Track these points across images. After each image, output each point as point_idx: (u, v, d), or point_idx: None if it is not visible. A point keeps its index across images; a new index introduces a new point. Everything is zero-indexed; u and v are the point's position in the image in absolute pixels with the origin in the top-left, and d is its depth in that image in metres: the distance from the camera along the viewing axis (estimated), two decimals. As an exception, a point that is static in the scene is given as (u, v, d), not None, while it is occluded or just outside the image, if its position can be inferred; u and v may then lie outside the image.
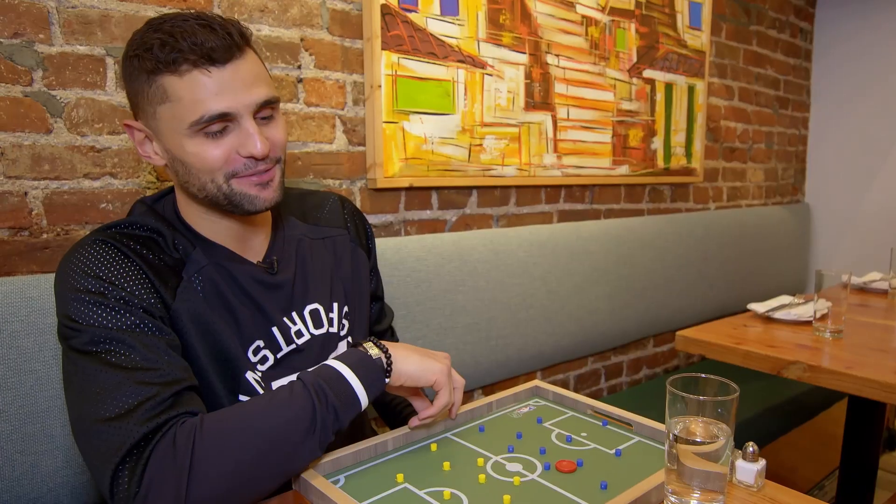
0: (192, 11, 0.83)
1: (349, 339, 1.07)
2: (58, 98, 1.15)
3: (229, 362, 0.89)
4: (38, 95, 1.13)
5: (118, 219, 0.91)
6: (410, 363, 0.89)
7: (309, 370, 0.83)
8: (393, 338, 1.28)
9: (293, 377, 0.86)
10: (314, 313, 1.01)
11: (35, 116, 1.14)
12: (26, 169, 1.13)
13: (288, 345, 0.97)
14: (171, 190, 0.97)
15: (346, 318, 1.07)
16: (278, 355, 0.96)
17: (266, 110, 0.86)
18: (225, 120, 0.82)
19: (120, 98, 1.22)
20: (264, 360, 0.94)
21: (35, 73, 1.13)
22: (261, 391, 0.92)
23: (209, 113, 0.80)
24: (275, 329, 0.96)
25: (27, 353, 1.06)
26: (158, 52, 0.78)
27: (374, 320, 1.21)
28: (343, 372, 0.82)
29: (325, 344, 1.02)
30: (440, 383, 0.91)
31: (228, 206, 0.88)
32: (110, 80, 1.20)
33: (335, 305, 1.05)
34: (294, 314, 0.99)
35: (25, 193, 1.14)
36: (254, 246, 0.98)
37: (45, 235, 1.17)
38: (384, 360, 0.86)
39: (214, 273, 0.90)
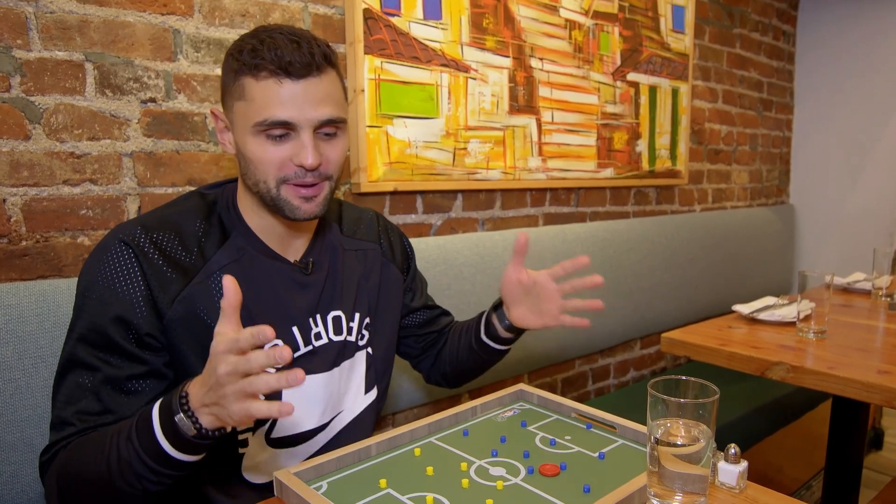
0: (290, 26, 0.90)
1: (369, 349, 1.10)
2: (36, 104, 1.14)
3: None
4: (17, 101, 1.12)
5: (169, 204, 0.98)
6: (219, 423, 0.74)
7: (142, 416, 0.76)
8: (450, 326, 1.29)
9: (309, 378, 0.93)
10: (336, 320, 1.05)
11: (13, 122, 1.12)
12: (4, 176, 1.12)
13: (306, 345, 1.00)
14: (236, 178, 1.02)
15: (367, 329, 1.10)
16: (296, 355, 0.99)
17: (329, 128, 0.91)
18: (286, 127, 0.88)
19: (99, 104, 1.21)
20: None
21: (13, 79, 1.12)
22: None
23: (272, 118, 0.86)
24: (295, 329, 0.99)
25: (6, 362, 1.05)
26: (247, 56, 0.86)
27: (422, 324, 1.25)
28: (161, 441, 0.74)
29: (342, 351, 1.06)
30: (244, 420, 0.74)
31: (273, 208, 0.93)
32: (90, 86, 1.19)
33: (357, 315, 1.08)
34: (318, 316, 1.02)
35: (4, 200, 1.13)
36: (294, 245, 1.02)
37: (24, 243, 1.15)
38: (195, 432, 0.73)
39: (237, 271, 0.94)
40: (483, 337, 1.17)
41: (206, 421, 0.72)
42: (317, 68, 0.87)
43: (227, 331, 0.71)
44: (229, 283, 0.72)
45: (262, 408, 0.68)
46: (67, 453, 0.82)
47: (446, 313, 1.31)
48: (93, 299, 0.87)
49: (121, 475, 0.76)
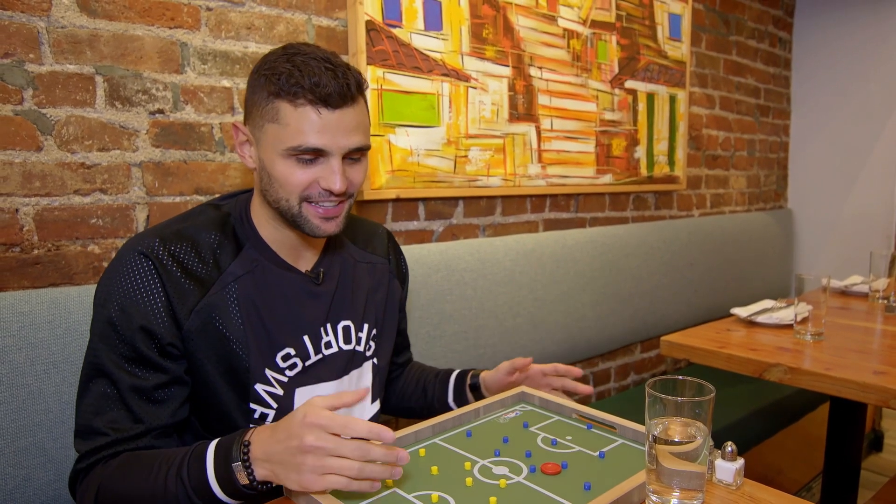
0: (322, 51, 0.92)
1: (374, 360, 1.13)
2: (48, 116, 1.17)
3: (240, 374, 0.96)
4: (29, 114, 1.15)
5: (182, 217, 1.00)
6: (274, 478, 0.78)
7: (195, 454, 0.82)
8: (408, 363, 1.36)
9: (319, 386, 0.99)
10: (346, 329, 1.08)
11: (25, 134, 1.15)
12: (17, 186, 1.15)
13: (316, 354, 1.03)
14: (248, 190, 1.07)
15: (374, 340, 1.13)
16: (307, 363, 1.02)
17: (355, 154, 0.95)
18: (317, 154, 0.91)
19: (109, 115, 1.24)
20: (293, 366, 1.00)
21: (25, 92, 1.15)
22: (271, 402, 0.98)
23: (306, 145, 0.90)
24: (306, 337, 1.02)
25: (19, 368, 1.07)
26: (285, 80, 0.88)
27: (397, 352, 1.28)
28: (211, 483, 0.80)
29: (351, 360, 1.09)
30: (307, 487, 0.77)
31: (292, 224, 0.97)
32: (100, 98, 1.22)
33: (365, 326, 1.11)
34: (328, 325, 1.05)
35: (16, 210, 1.15)
36: (305, 256, 1.05)
37: (36, 251, 1.18)
38: (247, 482, 0.79)
39: (250, 281, 0.97)
40: (451, 402, 1.22)
41: (260, 473, 0.78)
42: (351, 98, 0.91)
43: (327, 405, 0.77)
44: (363, 394, 0.82)
45: (354, 486, 0.76)
46: (110, 471, 0.85)
47: (408, 347, 1.35)
48: (115, 310, 0.89)
49: None
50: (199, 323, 0.93)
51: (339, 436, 0.74)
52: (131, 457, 0.86)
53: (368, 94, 1.54)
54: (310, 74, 0.88)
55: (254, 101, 0.93)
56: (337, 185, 0.92)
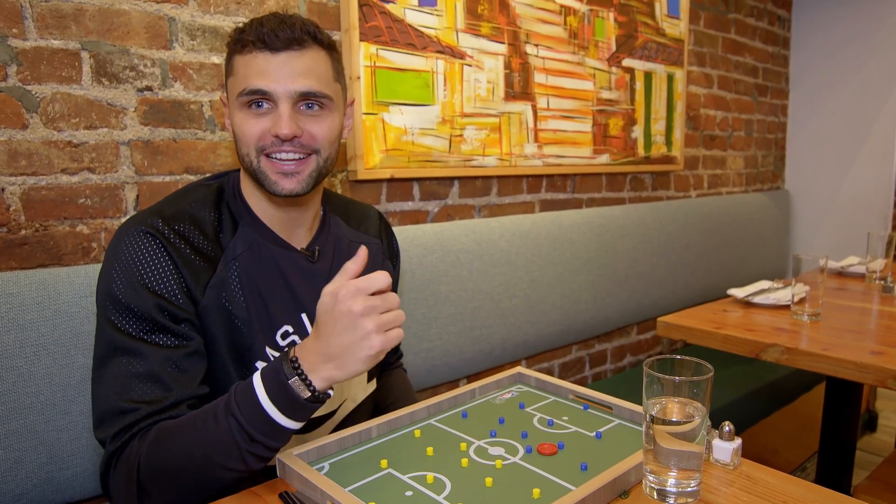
0: (288, 14, 0.94)
1: None
2: (33, 93, 1.14)
3: (243, 351, 0.95)
4: (13, 90, 1.12)
5: (175, 197, 0.98)
6: (338, 374, 0.78)
7: (240, 389, 0.80)
8: (396, 355, 1.35)
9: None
10: None
11: (10, 112, 1.13)
12: (2, 165, 1.12)
13: None
14: (237, 169, 1.06)
15: None
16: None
17: (310, 101, 0.93)
18: (266, 98, 0.91)
19: (96, 92, 1.21)
20: (292, 344, 0.99)
21: (9, 68, 1.12)
22: None
23: (250, 87, 0.90)
24: (304, 315, 1.01)
25: (8, 350, 1.06)
26: (236, 34, 0.93)
27: None
28: (267, 408, 0.78)
29: None
30: (378, 357, 0.79)
31: (257, 183, 0.95)
32: (86, 75, 1.19)
33: None
34: None
35: (2, 189, 1.13)
36: (299, 234, 1.04)
37: (23, 231, 1.16)
38: (309, 394, 0.78)
39: (250, 259, 0.97)
40: None
41: (319, 380, 0.77)
42: (298, 42, 0.90)
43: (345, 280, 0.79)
44: (363, 254, 0.82)
45: (400, 333, 0.79)
46: (149, 442, 0.80)
47: (396, 348, 1.34)
48: (124, 289, 0.86)
49: (224, 453, 0.78)
50: (213, 299, 0.92)
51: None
52: (169, 423, 0.82)
53: (351, 64, 1.54)
54: (256, 24, 0.90)
55: (224, 67, 0.97)
56: (283, 129, 0.90)
